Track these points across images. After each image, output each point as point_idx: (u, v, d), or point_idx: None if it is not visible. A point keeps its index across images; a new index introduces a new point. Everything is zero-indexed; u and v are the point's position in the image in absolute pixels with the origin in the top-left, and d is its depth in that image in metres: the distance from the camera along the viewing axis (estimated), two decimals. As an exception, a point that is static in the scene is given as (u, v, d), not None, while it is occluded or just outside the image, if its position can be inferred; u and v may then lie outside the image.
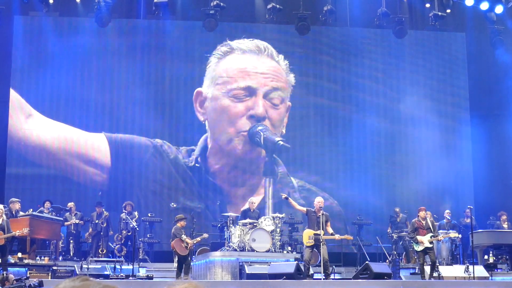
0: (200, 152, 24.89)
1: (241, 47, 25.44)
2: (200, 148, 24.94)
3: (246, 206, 21.32)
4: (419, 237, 18.12)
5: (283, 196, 18.66)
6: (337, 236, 17.79)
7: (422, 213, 18.62)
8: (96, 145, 24.57)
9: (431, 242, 18.22)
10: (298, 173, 25.43)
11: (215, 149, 25.11)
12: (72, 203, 22.43)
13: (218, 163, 25.12)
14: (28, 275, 16.19)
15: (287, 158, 25.38)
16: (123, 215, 21.72)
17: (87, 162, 24.53)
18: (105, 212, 22.06)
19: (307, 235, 17.53)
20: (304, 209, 18.18)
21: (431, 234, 18.24)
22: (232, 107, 25.01)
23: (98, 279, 2.82)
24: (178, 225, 18.26)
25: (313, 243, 17.34)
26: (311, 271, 17.82)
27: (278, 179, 25.06)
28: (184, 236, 18.09)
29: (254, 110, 24.90)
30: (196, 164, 24.78)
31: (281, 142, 24.85)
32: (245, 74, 25.21)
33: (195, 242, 18.64)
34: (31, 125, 24.47)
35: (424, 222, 18.44)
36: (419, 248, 18.11)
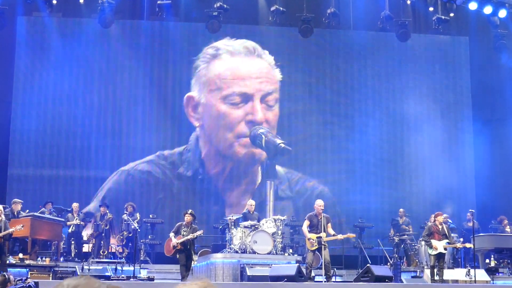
0: (196, 159, 24.82)
1: (228, 49, 25.29)
2: (195, 155, 24.85)
3: (245, 208, 21.30)
4: (433, 242, 18.05)
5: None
6: (340, 236, 17.76)
7: (440, 218, 18.55)
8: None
9: (445, 249, 18.21)
10: (299, 174, 25.42)
11: (212, 153, 25.06)
12: (77, 204, 22.40)
13: (215, 167, 25.09)
14: (28, 276, 16.20)
15: (289, 160, 25.40)
16: (124, 216, 21.69)
17: (89, 166, 24.65)
18: (109, 213, 22.00)
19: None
20: (307, 223, 17.88)
21: (446, 240, 18.20)
22: (229, 113, 24.93)
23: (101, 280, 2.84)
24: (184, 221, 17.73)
25: (317, 247, 17.32)
26: (313, 274, 17.79)
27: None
28: (171, 234, 17.61)
29: (253, 116, 24.84)
30: (199, 176, 24.74)
31: (283, 145, 24.83)
32: (240, 79, 25.11)
33: (183, 240, 17.35)
34: (35, 125, 24.53)
35: (440, 227, 18.38)
36: (433, 252, 18.06)
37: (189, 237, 17.42)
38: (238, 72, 25.19)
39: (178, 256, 17.55)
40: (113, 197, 24.04)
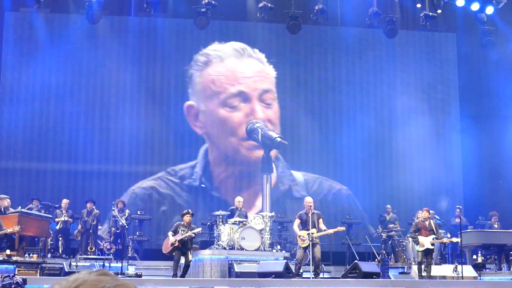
0: (202, 169, 24.72)
1: (218, 54, 25.23)
2: (202, 165, 24.76)
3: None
4: (420, 238, 18.07)
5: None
6: (330, 231, 17.73)
7: (425, 214, 18.57)
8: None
9: (432, 244, 18.24)
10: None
11: (219, 159, 25.01)
12: (67, 200, 22.20)
13: (223, 172, 24.98)
14: (16, 272, 16.16)
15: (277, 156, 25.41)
16: (114, 212, 21.63)
17: (77, 161, 24.56)
18: (95, 209, 21.94)
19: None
20: (297, 222, 17.88)
21: (433, 236, 18.22)
22: (230, 117, 24.88)
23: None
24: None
25: (308, 243, 17.30)
26: (301, 270, 17.81)
27: (278, 175, 25.04)
28: (170, 233, 17.53)
29: (254, 117, 24.78)
30: (202, 185, 24.56)
31: (279, 139, 24.81)
32: (234, 81, 25.07)
33: (182, 237, 17.26)
34: (22, 120, 24.44)
35: (427, 223, 18.40)
36: (420, 248, 18.09)
37: (187, 234, 17.26)
38: (231, 73, 25.12)
39: (174, 253, 17.48)
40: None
